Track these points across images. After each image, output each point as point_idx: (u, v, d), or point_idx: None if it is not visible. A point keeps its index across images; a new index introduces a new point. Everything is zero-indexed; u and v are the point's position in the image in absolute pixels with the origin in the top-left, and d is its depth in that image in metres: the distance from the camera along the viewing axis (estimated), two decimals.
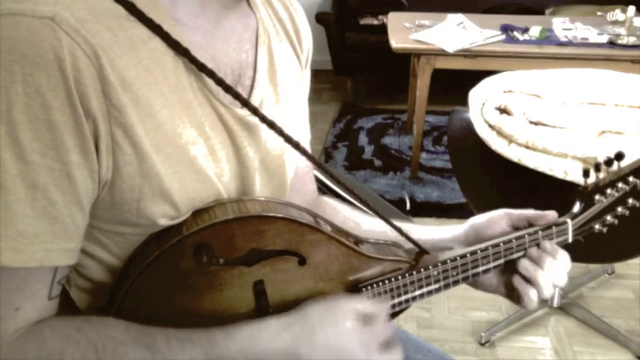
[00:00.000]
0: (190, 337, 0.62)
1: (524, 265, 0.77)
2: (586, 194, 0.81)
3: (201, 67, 0.61)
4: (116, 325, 0.62)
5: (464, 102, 1.86)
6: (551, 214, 0.80)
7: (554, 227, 0.79)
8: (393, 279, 0.73)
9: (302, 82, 0.82)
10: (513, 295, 0.79)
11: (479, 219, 0.82)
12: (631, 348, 1.98)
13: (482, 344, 2.02)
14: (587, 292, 2.27)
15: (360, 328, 0.67)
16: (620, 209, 0.82)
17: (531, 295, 0.76)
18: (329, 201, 0.93)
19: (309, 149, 0.83)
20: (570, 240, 0.81)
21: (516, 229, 0.81)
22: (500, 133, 1.66)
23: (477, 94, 1.78)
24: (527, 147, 1.61)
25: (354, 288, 0.72)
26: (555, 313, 2.16)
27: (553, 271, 0.77)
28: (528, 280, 0.77)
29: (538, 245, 0.79)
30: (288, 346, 0.64)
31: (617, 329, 2.04)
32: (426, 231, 0.83)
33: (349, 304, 0.68)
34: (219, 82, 0.62)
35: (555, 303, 2.16)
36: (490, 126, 1.69)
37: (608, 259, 2.00)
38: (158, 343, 0.61)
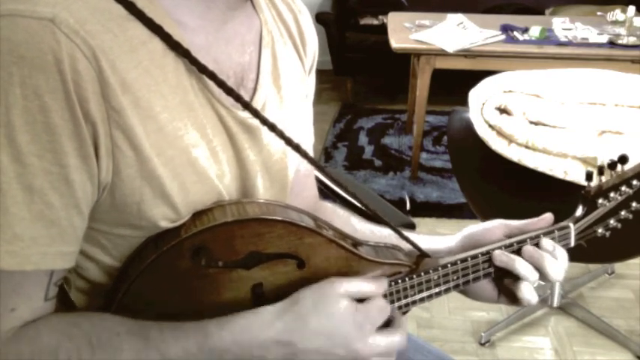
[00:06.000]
0: (184, 328, 0.62)
1: (498, 253, 0.75)
2: (589, 198, 0.79)
3: (202, 69, 0.61)
4: (111, 318, 0.62)
5: (464, 102, 1.86)
6: (548, 217, 0.79)
7: (556, 231, 0.78)
8: (392, 283, 0.73)
9: (305, 84, 0.82)
10: (509, 297, 0.78)
11: (474, 228, 0.81)
12: (631, 348, 1.98)
13: (482, 344, 2.02)
14: (587, 292, 2.27)
15: (353, 310, 0.65)
16: (623, 213, 0.81)
17: (523, 288, 0.74)
18: (329, 205, 0.93)
19: (311, 153, 0.83)
20: (572, 244, 0.80)
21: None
22: (500, 133, 1.66)
23: (477, 94, 1.78)
24: (527, 147, 1.61)
25: None
26: (555, 313, 2.16)
27: (549, 264, 0.75)
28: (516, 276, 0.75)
29: (537, 245, 0.77)
30: (281, 335, 0.63)
31: (617, 329, 2.04)
32: (421, 241, 0.81)
33: (342, 286, 0.66)
34: (221, 84, 0.62)
35: (555, 303, 2.16)
36: (490, 126, 1.69)
37: (608, 259, 2.00)
38: (152, 334, 0.61)
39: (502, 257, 0.75)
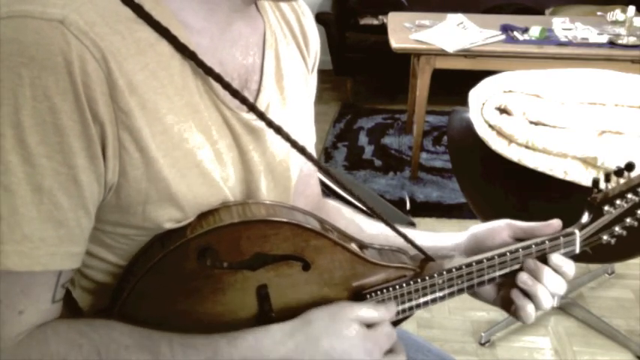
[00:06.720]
0: (193, 343, 0.62)
1: (523, 278, 0.75)
2: (595, 205, 0.79)
3: (208, 71, 0.61)
4: (119, 328, 0.62)
5: (464, 102, 1.86)
6: (555, 223, 0.79)
7: (561, 238, 0.78)
8: (397, 286, 0.73)
9: (308, 85, 0.82)
10: (511, 308, 0.78)
11: (480, 228, 0.81)
12: (631, 348, 1.99)
13: (482, 344, 2.02)
14: (587, 292, 2.27)
15: (364, 336, 0.67)
16: (629, 220, 0.80)
17: (528, 310, 0.75)
18: (333, 204, 0.93)
19: (314, 153, 0.83)
20: (578, 251, 0.79)
21: (518, 240, 0.79)
22: (500, 133, 1.66)
23: (477, 94, 1.78)
24: (527, 147, 1.62)
25: (358, 294, 0.72)
26: (555, 313, 2.16)
27: (553, 282, 0.75)
28: (526, 294, 0.76)
29: (544, 256, 0.77)
30: (292, 354, 0.64)
31: (617, 329, 2.04)
32: (428, 237, 0.82)
33: (353, 311, 0.68)
34: (226, 86, 0.62)
35: (555, 303, 2.16)
36: (490, 126, 1.69)
37: (608, 259, 2.00)
38: (161, 348, 0.61)
39: (528, 281, 0.75)
